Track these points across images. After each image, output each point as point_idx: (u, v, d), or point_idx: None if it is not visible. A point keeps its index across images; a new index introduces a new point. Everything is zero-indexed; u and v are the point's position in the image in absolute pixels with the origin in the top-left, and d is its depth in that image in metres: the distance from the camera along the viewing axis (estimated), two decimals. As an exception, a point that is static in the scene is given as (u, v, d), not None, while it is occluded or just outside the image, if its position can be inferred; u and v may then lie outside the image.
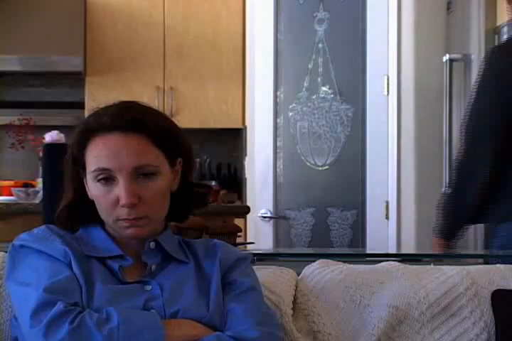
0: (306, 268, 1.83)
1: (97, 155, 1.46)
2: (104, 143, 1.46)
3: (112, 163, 1.44)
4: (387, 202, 4.35)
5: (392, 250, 4.08)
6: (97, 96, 5.45)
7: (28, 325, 1.36)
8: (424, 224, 4.31)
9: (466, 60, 3.72)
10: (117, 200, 1.45)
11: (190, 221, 1.67)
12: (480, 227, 3.60)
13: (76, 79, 5.64)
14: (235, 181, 5.72)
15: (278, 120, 4.23)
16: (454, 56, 3.75)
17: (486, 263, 2.27)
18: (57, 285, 1.40)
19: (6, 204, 3.54)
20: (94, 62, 5.58)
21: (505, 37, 3.44)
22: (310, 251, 2.74)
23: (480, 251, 3.44)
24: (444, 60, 3.77)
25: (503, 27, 3.47)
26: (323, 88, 4.09)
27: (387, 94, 4.43)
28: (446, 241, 2.63)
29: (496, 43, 3.53)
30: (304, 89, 4.14)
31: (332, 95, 4.43)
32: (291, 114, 4.17)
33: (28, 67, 5.52)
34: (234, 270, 1.54)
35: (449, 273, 1.80)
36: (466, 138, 2.54)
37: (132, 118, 1.46)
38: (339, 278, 1.77)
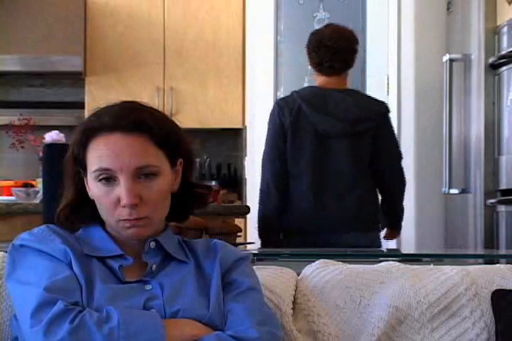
0: (306, 268, 1.83)
1: (99, 155, 1.46)
2: (105, 143, 1.45)
3: (114, 164, 1.44)
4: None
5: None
6: (97, 96, 5.45)
7: (29, 325, 1.36)
8: (424, 224, 4.31)
9: (466, 60, 3.72)
10: (118, 200, 1.45)
11: (190, 221, 1.67)
12: (480, 227, 3.61)
13: (76, 79, 5.64)
14: (235, 181, 5.71)
15: (278, 120, 4.23)
16: (454, 56, 3.75)
17: (487, 263, 2.28)
18: (58, 285, 1.40)
19: (6, 204, 3.53)
20: (94, 62, 5.58)
21: (505, 38, 3.45)
22: (310, 251, 2.73)
23: (480, 251, 3.44)
24: (444, 60, 3.77)
25: (503, 27, 3.48)
26: (323, 88, 4.08)
27: (387, 94, 4.44)
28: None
29: (496, 44, 3.53)
30: (304, 89, 4.13)
31: (332, 95, 4.42)
32: (291, 114, 4.17)
33: (28, 67, 5.52)
34: (234, 270, 1.54)
35: (449, 273, 1.80)
36: (262, 163, 3.27)
37: (134, 119, 1.46)
38: (339, 278, 1.77)
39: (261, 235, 3.28)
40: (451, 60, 3.73)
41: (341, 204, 3.13)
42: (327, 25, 3.31)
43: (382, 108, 3.21)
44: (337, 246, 3.00)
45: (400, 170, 3.28)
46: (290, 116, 3.14)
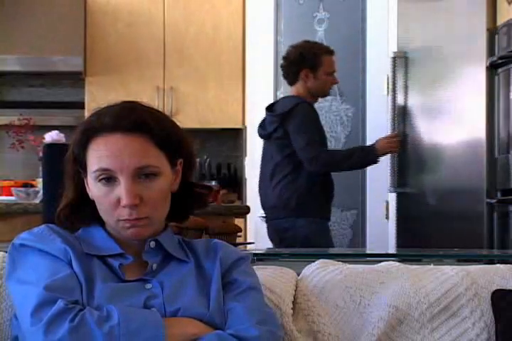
0: (306, 268, 1.83)
1: (99, 155, 1.46)
2: (106, 143, 1.45)
3: (114, 164, 1.44)
4: (387, 202, 4.36)
5: (392, 250, 4.08)
6: (97, 96, 5.45)
7: (29, 323, 1.36)
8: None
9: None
10: (118, 201, 1.45)
11: (190, 221, 1.67)
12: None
13: (76, 79, 5.64)
14: (235, 181, 5.72)
15: (278, 120, 4.23)
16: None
17: (487, 263, 2.28)
18: (58, 284, 1.40)
19: (6, 204, 3.54)
20: (94, 62, 5.58)
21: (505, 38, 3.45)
22: (310, 251, 2.74)
23: (480, 251, 3.44)
24: (444, 60, 3.77)
25: (502, 27, 3.47)
26: (323, 88, 4.08)
27: (387, 94, 4.44)
28: None
29: (496, 44, 3.53)
30: (304, 89, 4.13)
31: (332, 95, 4.43)
32: (291, 114, 4.17)
33: (28, 67, 5.52)
34: (234, 269, 1.54)
35: (449, 273, 1.80)
36: None
37: (135, 119, 1.46)
38: (339, 278, 1.77)
39: None
40: (450, 60, 3.73)
41: (264, 194, 3.78)
42: (304, 41, 3.79)
43: (282, 108, 3.63)
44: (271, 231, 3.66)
45: (311, 159, 3.60)
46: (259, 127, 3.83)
